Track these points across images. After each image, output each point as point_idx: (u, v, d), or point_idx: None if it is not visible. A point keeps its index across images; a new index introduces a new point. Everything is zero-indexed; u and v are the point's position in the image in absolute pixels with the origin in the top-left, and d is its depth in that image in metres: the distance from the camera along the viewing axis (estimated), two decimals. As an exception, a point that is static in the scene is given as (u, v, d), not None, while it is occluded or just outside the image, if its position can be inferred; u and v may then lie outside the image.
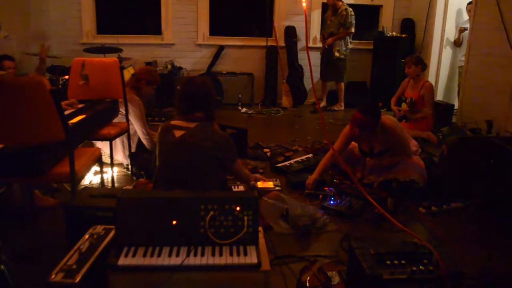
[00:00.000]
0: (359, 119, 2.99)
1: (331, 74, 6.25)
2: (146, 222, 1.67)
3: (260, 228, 1.77)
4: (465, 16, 5.74)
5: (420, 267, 1.57)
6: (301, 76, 6.60)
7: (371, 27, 7.08)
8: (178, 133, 2.11)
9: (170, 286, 1.55)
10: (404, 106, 4.59)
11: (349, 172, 2.77)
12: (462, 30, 5.69)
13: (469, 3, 5.38)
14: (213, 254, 1.62)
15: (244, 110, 6.23)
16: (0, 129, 2.13)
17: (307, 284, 1.98)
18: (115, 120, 3.22)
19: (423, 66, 4.48)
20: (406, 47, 6.31)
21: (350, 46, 6.17)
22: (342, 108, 6.36)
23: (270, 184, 3.20)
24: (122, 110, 3.31)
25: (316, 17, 6.79)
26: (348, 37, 6.08)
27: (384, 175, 3.14)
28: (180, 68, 6.43)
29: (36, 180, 2.36)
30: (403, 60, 4.56)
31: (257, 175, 2.92)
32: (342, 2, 6.04)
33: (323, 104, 6.42)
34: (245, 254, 1.63)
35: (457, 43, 5.89)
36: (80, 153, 2.55)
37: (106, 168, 3.29)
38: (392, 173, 3.10)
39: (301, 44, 6.66)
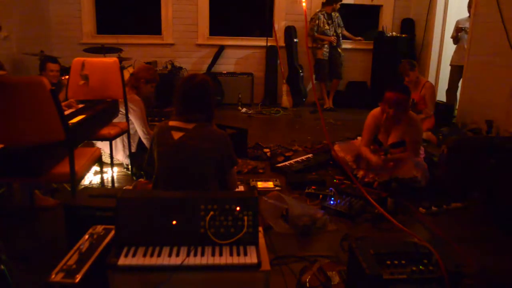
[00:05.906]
0: (392, 97, 3.13)
1: (340, 71, 6.34)
2: (146, 222, 1.66)
3: (260, 228, 1.77)
4: (466, 13, 5.65)
5: (420, 267, 1.58)
6: (301, 76, 6.60)
7: (371, 27, 7.08)
8: (176, 135, 2.07)
9: (170, 286, 1.55)
10: None
11: (349, 172, 2.78)
12: (459, 29, 5.63)
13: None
14: (213, 254, 1.61)
15: (244, 110, 6.23)
16: (0, 129, 2.13)
17: (307, 284, 1.98)
18: (115, 120, 3.22)
19: (415, 66, 4.50)
20: (406, 47, 6.31)
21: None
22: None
23: (270, 184, 3.21)
24: (122, 110, 3.31)
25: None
26: None
27: (386, 173, 3.14)
28: (180, 68, 6.43)
29: (36, 180, 2.36)
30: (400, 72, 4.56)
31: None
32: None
33: (328, 105, 6.42)
34: (245, 254, 1.62)
35: (453, 39, 5.79)
36: (80, 153, 2.55)
37: (106, 168, 3.29)
38: (393, 171, 3.10)
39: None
